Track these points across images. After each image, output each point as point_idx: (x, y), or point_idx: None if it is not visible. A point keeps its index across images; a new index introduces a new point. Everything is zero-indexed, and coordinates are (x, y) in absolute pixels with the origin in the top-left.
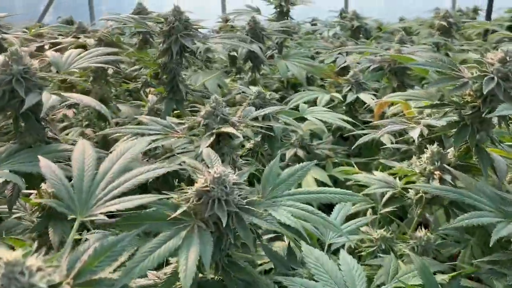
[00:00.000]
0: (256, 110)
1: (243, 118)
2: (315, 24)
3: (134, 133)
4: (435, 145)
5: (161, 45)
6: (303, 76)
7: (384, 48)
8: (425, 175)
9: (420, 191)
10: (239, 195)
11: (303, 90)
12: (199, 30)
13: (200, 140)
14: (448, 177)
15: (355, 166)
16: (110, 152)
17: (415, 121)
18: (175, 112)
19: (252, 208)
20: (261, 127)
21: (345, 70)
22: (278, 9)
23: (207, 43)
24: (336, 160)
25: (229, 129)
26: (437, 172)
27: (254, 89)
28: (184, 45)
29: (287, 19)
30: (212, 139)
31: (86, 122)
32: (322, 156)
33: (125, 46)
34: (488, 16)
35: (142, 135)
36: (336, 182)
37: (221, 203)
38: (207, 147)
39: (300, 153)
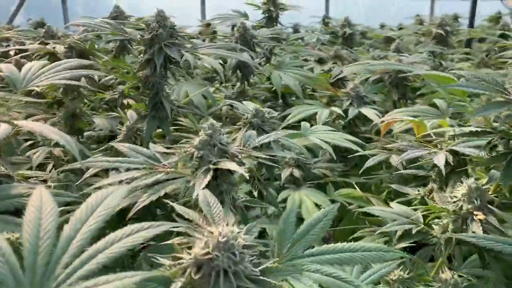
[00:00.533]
0: (254, 130)
1: (244, 147)
2: (297, 30)
3: (111, 167)
4: (472, 179)
5: (141, 55)
6: (299, 89)
7: (380, 57)
8: (461, 215)
9: (449, 230)
10: (250, 261)
11: (293, 100)
12: (186, 38)
13: (193, 178)
14: (492, 219)
15: (356, 187)
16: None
17: (435, 144)
18: (158, 131)
19: (269, 280)
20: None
21: (339, 81)
22: (267, 15)
23: (196, 54)
24: (334, 179)
25: (231, 166)
26: (478, 213)
27: (250, 105)
28: (169, 56)
29: (276, 25)
30: (209, 177)
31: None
32: (320, 175)
33: (100, 54)
34: (471, 24)
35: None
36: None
37: (228, 276)
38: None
39: (297, 173)
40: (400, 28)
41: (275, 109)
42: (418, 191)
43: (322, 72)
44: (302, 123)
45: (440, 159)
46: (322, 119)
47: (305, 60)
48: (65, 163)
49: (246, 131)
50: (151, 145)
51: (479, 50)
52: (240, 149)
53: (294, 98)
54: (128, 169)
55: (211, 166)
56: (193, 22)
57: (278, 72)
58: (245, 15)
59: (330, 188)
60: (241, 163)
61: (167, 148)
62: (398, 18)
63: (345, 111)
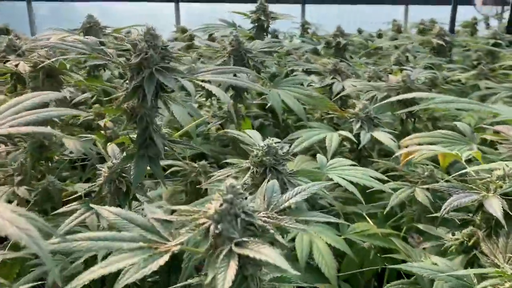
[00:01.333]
0: (267, 171)
1: (271, 211)
2: (276, 36)
3: (96, 250)
4: None
5: (128, 82)
6: (302, 111)
7: (380, 71)
8: None
9: None
10: None
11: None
12: (182, 60)
13: (211, 267)
14: None
15: (369, 220)
16: None
17: (481, 184)
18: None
19: None
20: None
21: (340, 98)
22: (257, 24)
23: (196, 81)
24: (345, 211)
25: (267, 253)
26: None
27: (257, 137)
28: (161, 83)
29: (267, 35)
30: (234, 267)
31: (19, 177)
32: (328, 207)
33: (72, 73)
34: (451, 30)
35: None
36: (351, 245)
37: None
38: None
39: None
40: (380, 35)
41: (266, 126)
42: (454, 234)
43: (319, 87)
44: (318, 157)
45: (495, 207)
46: (333, 147)
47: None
48: (32, 206)
49: (256, 172)
50: (146, 208)
51: (468, 59)
52: (268, 216)
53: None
54: (121, 251)
55: (236, 250)
56: (168, 27)
57: (277, 90)
58: (233, 25)
59: (343, 225)
60: (273, 241)
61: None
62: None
63: (356, 135)
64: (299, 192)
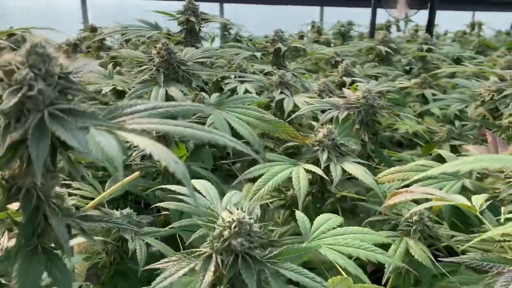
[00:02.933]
0: (239, 261)
1: None
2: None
3: None
4: None
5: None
6: (256, 140)
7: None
8: None
9: None
10: None
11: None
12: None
13: None
14: None
15: None
16: None
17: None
18: None
19: None
20: None
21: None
22: (185, 27)
23: (120, 132)
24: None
25: None
26: None
27: (210, 193)
28: (61, 141)
29: (198, 40)
30: None
31: None
32: None
33: None
34: (372, 34)
35: None
36: None
37: None
38: None
39: None
40: (301, 36)
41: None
42: None
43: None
44: (300, 221)
45: None
46: (303, 189)
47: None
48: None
49: (222, 263)
50: None
51: (400, 64)
52: None
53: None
54: None
55: None
56: (75, 25)
57: (222, 113)
58: (158, 28)
59: None
60: None
61: None
62: (293, 26)
63: (325, 169)
64: None
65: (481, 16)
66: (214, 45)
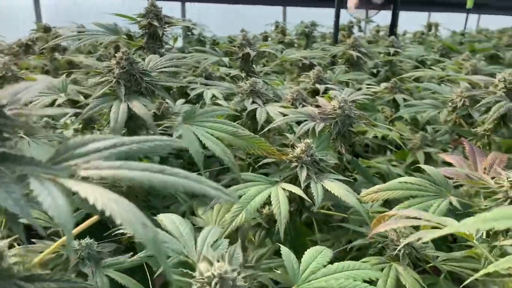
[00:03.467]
0: None
1: None
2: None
3: None
4: None
5: None
6: (230, 157)
7: (306, 90)
8: None
9: None
10: None
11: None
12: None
13: None
14: None
15: None
16: None
17: None
18: None
19: None
20: None
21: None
22: (148, 31)
23: (70, 183)
24: None
25: None
26: None
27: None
28: None
29: (161, 45)
30: None
31: None
32: None
33: None
34: (336, 35)
35: None
36: None
37: None
38: None
39: None
40: (266, 37)
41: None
42: None
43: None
44: (286, 260)
45: None
46: (284, 213)
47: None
48: None
49: None
50: None
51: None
52: None
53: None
54: None
55: None
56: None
57: (191, 128)
58: (117, 31)
59: None
60: None
61: None
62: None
63: (305, 188)
64: None
65: (436, 16)
66: (177, 46)
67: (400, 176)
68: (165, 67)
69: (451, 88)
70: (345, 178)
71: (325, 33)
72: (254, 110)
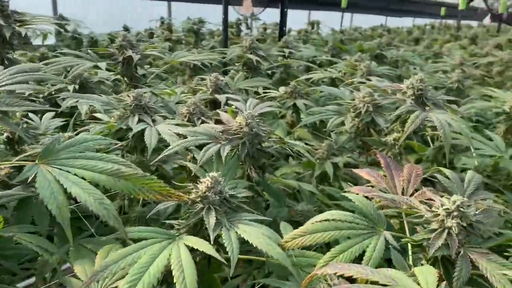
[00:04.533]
0: None
1: None
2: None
3: None
4: None
5: None
6: (111, 211)
7: (205, 101)
8: None
9: None
10: None
11: None
12: None
13: None
14: None
15: None
16: None
17: None
18: None
19: None
20: None
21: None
22: None
23: None
24: None
25: None
26: None
27: None
28: None
29: (10, 49)
30: None
31: None
32: None
33: None
34: (225, 32)
35: None
36: None
37: None
38: None
39: None
40: (151, 34)
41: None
42: None
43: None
44: None
45: None
46: (190, 282)
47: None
48: None
49: None
50: None
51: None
52: None
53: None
54: None
55: None
56: None
57: (50, 171)
58: None
59: None
60: None
61: None
62: (143, 22)
63: (216, 238)
64: None
65: (316, 15)
66: (48, 43)
67: (312, 193)
68: (11, 83)
69: (350, 92)
70: (263, 217)
71: (213, 30)
72: (142, 131)
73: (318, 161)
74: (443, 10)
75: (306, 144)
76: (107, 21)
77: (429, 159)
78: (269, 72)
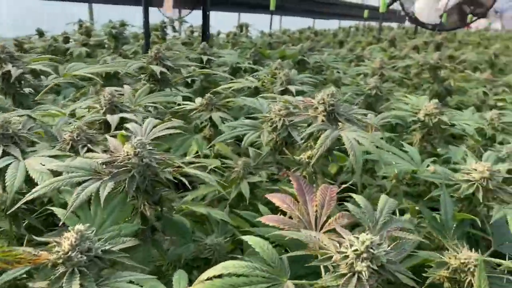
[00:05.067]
0: None
1: None
2: None
3: None
4: None
5: None
6: None
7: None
8: None
9: None
10: None
11: None
12: None
13: None
14: None
15: None
16: None
17: None
18: None
19: None
20: None
21: None
22: None
23: None
24: None
25: None
26: None
27: None
28: None
29: None
30: None
31: None
32: None
33: None
34: (147, 35)
35: None
36: None
37: None
38: None
39: None
40: (66, 38)
41: None
42: None
43: None
44: None
45: None
46: None
47: None
48: None
49: None
50: None
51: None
52: None
53: None
54: None
55: None
56: None
57: None
58: None
59: None
60: None
61: None
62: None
63: None
64: None
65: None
66: None
67: (223, 221)
68: None
69: (268, 104)
70: (150, 276)
71: (138, 33)
72: (5, 168)
73: (234, 181)
74: (366, 13)
75: (224, 161)
76: (18, 25)
77: (349, 169)
78: (189, 80)
